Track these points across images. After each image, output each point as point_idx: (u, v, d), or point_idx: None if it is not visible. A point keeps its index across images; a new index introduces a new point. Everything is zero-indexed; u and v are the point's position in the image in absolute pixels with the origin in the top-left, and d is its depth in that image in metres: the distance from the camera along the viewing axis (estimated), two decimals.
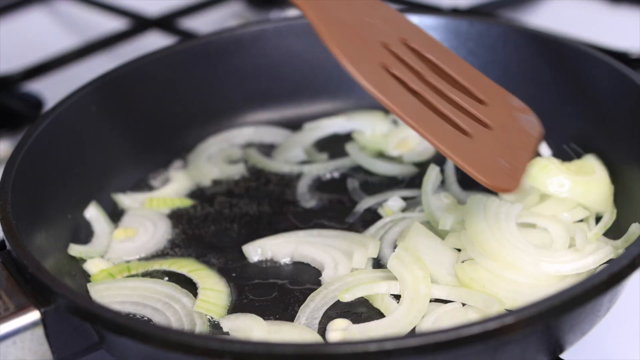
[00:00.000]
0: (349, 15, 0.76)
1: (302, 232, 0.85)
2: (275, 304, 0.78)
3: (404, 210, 0.88)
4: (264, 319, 0.75)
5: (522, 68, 0.98)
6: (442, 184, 0.89)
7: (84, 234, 0.87)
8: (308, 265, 0.83)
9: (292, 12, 1.37)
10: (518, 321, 0.60)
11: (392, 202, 0.88)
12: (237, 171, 0.97)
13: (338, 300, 0.77)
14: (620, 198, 0.85)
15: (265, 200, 0.92)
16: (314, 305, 0.77)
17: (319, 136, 1.01)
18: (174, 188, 0.94)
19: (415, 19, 1.02)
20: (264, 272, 0.82)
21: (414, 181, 0.92)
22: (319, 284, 0.80)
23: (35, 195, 0.82)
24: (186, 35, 1.27)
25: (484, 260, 0.76)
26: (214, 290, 0.79)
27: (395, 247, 0.81)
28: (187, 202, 0.92)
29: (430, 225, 0.83)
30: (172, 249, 0.86)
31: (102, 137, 0.93)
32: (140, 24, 1.35)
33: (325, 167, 0.96)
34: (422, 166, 0.94)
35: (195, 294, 0.79)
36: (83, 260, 0.84)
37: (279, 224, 0.88)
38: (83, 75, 0.98)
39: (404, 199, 0.89)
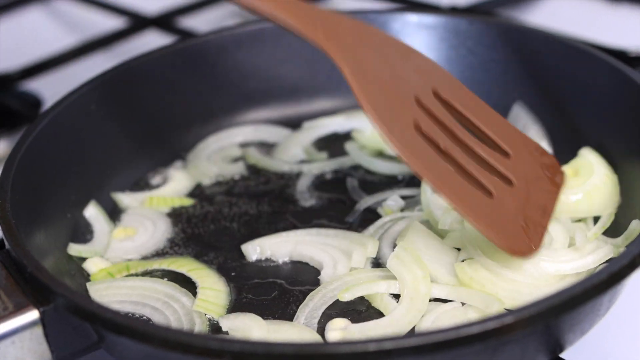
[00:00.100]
0: (383, 69, 0.76)
1: (301, 231, 0.85)
2: (275, 303, 0.78)
3: (403, 209, 0.88)
4: (264, 318, 0.75)
5: (521, 66, 0.98)
6: None
7: (84, 233, 0.87)
8: (307, 264, 0.83)
9: None
10: (518, 321, 0.60)
11: (392, 202, 0.88)
12: (236, 170, 0.97)
13: (337, 300, 0.77)
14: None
15: (265, 200, 0.92)
16: (313, 305, 0.77)
17: (319, 135, 1.01)
18: (173, 187, 0.94)
19: (415, 17, 1.03)
20: (263, 272, 0.82)
21: (414, 180, 0.92)
22: (318, 283, 0.80)
23: (34, 194, 0.82)
24: (185, 34, 1.27)
25: (484, 260, 0.76)
26: (213, 290, 0.79)
27: (394, 246, 0.81)
28: (187, 202, 0.92)
29: (430, 224, 0.83)
30: (171, 248, 0.86)
31: (101, 136, 0.93)
32: (138, 23, 1.35)
33: (325, 166, 0.96)
34: None
35: (194, 294, 0.79)
36: (82, 260, 0.83)
37: (279, 223, 0.88)
38: (81, 74, 0.98)
39: (404, 198, 0.89)
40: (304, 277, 0.81)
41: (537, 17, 1.29)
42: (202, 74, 1.02)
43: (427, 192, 0.85)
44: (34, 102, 1.18)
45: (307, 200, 0.92)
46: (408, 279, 0.76)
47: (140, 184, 0.95)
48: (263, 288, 0.80)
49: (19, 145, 0.83)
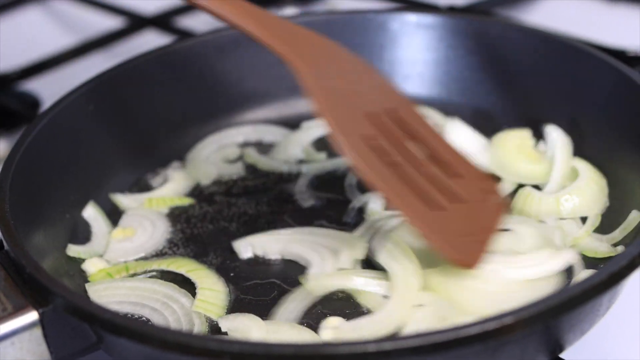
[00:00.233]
0: (338, 80, 0.79)
1: (292, 230, 0.85)
2: (274, 303, 0.78)
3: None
4: (263, 319, 0.75)
5: (520, 66, 0.98)
6: None
7: (83, 233, 0.87)
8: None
9: (288, 12, 1.37)
10: (518, 321, 0.60)
11: (373, 204, 0.88)
12: (235, 170, 0.97)
13: (333, 299, 0.77)
14: (614, 191, 0.85)
15: (264, 200, 0.92)
16: (293, 306, 0.77)
17: (318, 135, 1.01)
18: (172, 187, 0.94)
19: (413, 17, 1.03)
20: (262, 272, 0.82)
21: None
22: None
23: (33, 195, 0.82)
24: (183, 34, 1.27)
25: (451, 268, 0.75)
26: (212, 290, 0.79)
27: (384, 243, 0.80)
28: (186, 201, 0.92)
29: None
30: (170, 249, 0.86)
31: (99, 137, 0.93)
32: (136, 22, 1.35)
33: (324, 166, 0.96)
34: None
35: (193, 294, 0.79)
36: (81, 260, 0.83)
37: (277, 223, 0.88)
38: (80, 74, 0.98)
39: None
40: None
41: (536, 17, 1.29)
42: (200, 74, 1.02)
43: None
44: (33, 102, 1.18)
45: (306, 201, 0.91)
46: (399, 272, 0.76)
47: (139, 185, 0.95)
48: (262, 288, 0.80)
49: (17, 146, 0.83)
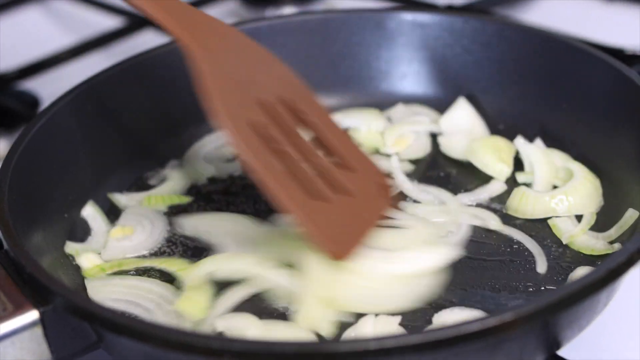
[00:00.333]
0: (230, 64, 0.78)
1: (234, 215, 0.87)
2: (270, 303, 0.78)
3: None
4: (259, 318, 0.75)
5: (517, 65, 0.98)
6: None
7: (81, 232, 0.87)
8: None
9: (287, 10, 1.37)
10: (518, 318, 0.60)
11: None
12: (233, 169, 0.97)
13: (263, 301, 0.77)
14: (609, 189, 0.86)
15: (262, 198, 0.92)
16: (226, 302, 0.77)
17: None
18: (170, 186, 0.94)
19: (410, 16, 1.03)
20: None
21: (410, 178, 0.92)
22: None
23: (32, 194, 0.82)
24: None
25: (330, 263, 0.75)
26: (197, 290, 0.78)
27: None
28: (185, 199, 0.92)
29: None
30: (169, 247, 0.86)
31: (98, 136, 0.93)
32: (135, 22, 1.35)
33: None
34: (417, 163, 0.95)
35: None
36: (78, 256, 0.84)
37: (276, 222, 0.88)
38: (79, 73, 0.98)
39: None
40: None
41: (533, 16, 1.29)
42: None
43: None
44: (32, 101, 1.18)
45: None
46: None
47: (138, 184, 0.95)
48: None
49: (16, 145, 0.83)
